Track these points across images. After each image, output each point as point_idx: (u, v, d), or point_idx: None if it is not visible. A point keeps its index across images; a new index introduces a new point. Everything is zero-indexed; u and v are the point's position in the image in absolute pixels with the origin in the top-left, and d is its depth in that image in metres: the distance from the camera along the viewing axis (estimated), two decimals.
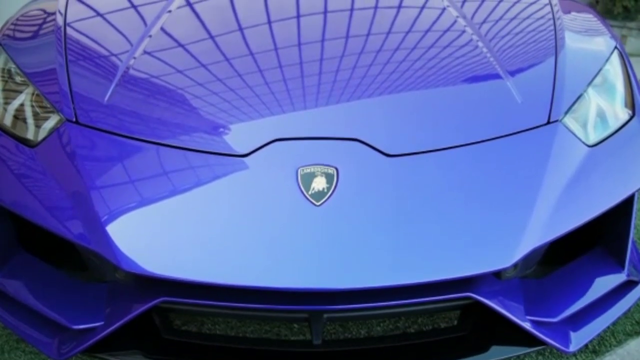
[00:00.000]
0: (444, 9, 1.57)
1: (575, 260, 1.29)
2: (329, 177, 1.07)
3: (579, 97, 1.28)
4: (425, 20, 1.52)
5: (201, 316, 1.38)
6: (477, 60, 1.35)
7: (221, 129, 1.16)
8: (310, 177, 1.06)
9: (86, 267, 1.22)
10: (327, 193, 1.05)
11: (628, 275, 1.27)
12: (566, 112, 1.24)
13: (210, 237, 1.02)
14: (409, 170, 1.09)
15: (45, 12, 1.60)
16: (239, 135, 1.14)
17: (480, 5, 1.66)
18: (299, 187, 1.05)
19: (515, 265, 1.05)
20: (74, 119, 1.19)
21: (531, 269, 1.22)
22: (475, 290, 1.06)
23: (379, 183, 1.07)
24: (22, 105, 1.28)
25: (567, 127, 1.22)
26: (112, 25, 1.53)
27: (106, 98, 1.23)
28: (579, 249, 1.33)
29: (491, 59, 1.35)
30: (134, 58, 1.34)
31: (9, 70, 1.37)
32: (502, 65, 1.33)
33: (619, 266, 1.28)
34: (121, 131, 1.15)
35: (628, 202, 1.24)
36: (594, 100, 1.31)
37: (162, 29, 1.44)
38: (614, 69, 1.42)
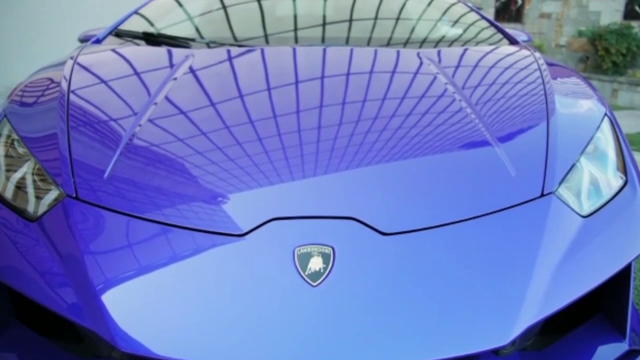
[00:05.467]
0: (434, 77, 1.62)
1: (575, 330, 1.27)
2: (325, 257, 1.07)
3: (572, 167, 1.30)
4: (416, 91, 1.55)
5: None
6: (470, 132, 1.38)
7: (221, 207, 1.17)
8: (307, 257, 1.07)
9: (82, 340, 1.21)
10: (323, 273, 1.05)
11: (630, 344, 1.25)
12: (560, 183, 1.26)
13: (207, 318, 1.01)
14: (404, 248, 1.10)
15: (52, 80, 1.64)
16: (238, 214, 1.15)
17: (470, 73, 1.71)
18: (296, 268, 1.05)
19: (513, 343, 1.04)
20: (74, 195, 1.20)
21: (530, 340, 1.21)
22: None
23: (374, 262, 1.07)
24: (23, 177, 1.29)
25: (560, 199, 1.23)
26: (116, 93, 1.56)
27: (108, 169, 1.24)
28: (580, 315, 1.32)
29: (483, 130, 1.37)
30: (139, 126, 1.35)
31: (12, 141, 1.39)
32: (494, 136, 1.36)
33: (620, 335, 1.27)
34: (122, 209, 1.15)
35: (625, 270, 1.24)
36: (586, 169, 1.33)
37: (166, 97, 1.47)
38: (605, 137, 1.44)
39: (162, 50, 1.87)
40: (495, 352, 1.09)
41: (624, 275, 1.25)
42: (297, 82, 1.60)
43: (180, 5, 2.45)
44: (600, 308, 1.32)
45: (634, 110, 6.71)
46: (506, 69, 1.79)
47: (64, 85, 1.55)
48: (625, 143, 1.50)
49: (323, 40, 2.09)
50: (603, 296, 1.31)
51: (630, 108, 6.85)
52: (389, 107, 1.46)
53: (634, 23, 7.59)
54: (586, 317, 1.31)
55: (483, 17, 2.38)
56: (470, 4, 2.60)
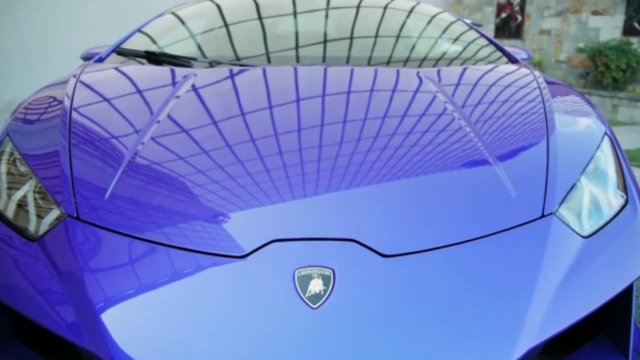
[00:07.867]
0: (434, 96, 1.62)
1: (577, 350, 1.26)
2: (325, 279, 1.06)
3: (572, 187, 1.30)
4: (416, 110, 1.56)
5: None
6: (470, 151, 1.38)
7: (222, 228, 1.17)
8: (307, 279, 1.06)
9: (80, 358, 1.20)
10: (323, 296, 1.04)
11: None
12: (560, 203, 1.25)
13: (207, 339, 1.01)
14: (404, 270, 1.09)
15: (54, 98, 1.65)
16: (239, 235, 1.15)
17: (470, 92, 1.72)
18: (296, 290, 1.05)
19: None
20: (75, 214, 1.20)
21: None
22: None
23: (374, 284, 1.07)
24: (25, 195, 1.29)
25: (561, 219, 1.22)
26: (119, 111, 1.57)
27: (110, 188, 1.24)
28: (583, 336, 1.31)
29: (483, 150, 1.37)
30: (142, 144, 1.36)
31: (14, 159, 1.39)
32: (494, 156, 1.36)
33: (622, 356, 1.25)
34: (123, 229, 1.15)
35: (627, 290, 1.24)
36: (587, 189, 1.32)
37: (169, 116, 1.48)
38: (605, 156, 1.44)
39: (164, 69, 1.88)
40: None
41: (626, 295, 1.24)
42: (298, 102, 1.61)
43: (183, 23, 2.47)
44: (602, 328, 1.31)
45: (634, 125, 6.73)
46: (506, 87, 1.79)
47: (67, 103, 1.56)
48: (625, 161, 1.50)
49: (324, 59, 2.11)
50: (605, 316, 1.30)
51: (630, 124, 6.86)
52: (389, 127, 1.47)
53: (633, 39, 7.63)
54: (589, 338, 1.30)
55: (482, 35, 2.40)
56: (469, 22, 2.62)
